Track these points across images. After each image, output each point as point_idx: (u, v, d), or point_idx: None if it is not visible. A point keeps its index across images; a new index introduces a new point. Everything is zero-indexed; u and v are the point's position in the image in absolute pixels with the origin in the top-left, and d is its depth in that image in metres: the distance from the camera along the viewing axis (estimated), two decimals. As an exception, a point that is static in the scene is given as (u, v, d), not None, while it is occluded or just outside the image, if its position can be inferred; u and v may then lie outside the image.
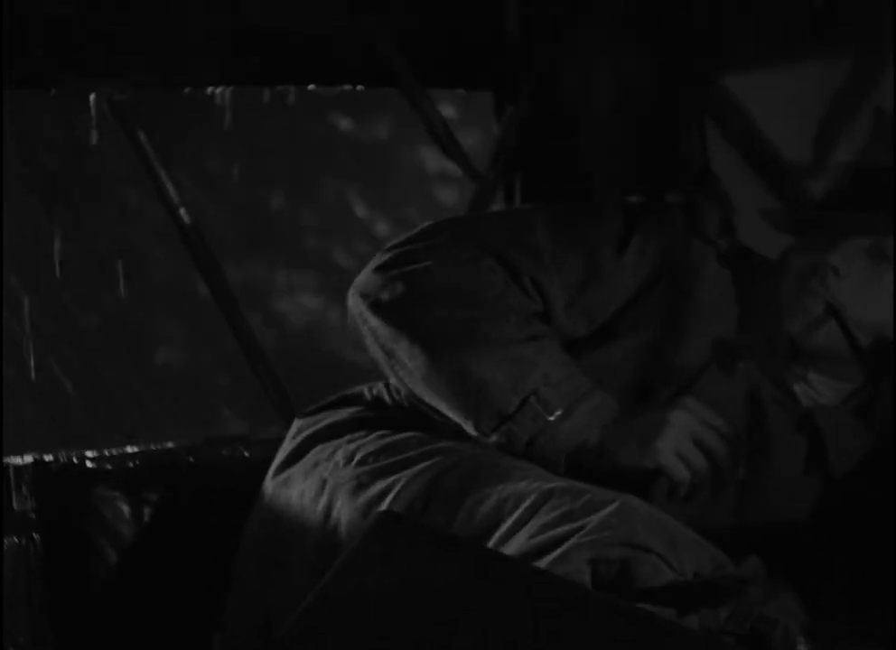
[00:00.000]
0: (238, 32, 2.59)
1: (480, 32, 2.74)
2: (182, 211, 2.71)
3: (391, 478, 1.91)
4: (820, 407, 2.05)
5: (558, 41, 2.83)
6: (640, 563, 1.71)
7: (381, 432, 2.00)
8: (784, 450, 2.03)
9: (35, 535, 2.32)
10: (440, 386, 1.95)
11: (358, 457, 1.97)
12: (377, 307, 1.98)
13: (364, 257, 2.12)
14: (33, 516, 2.33)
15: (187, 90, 2.84)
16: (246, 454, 2.47)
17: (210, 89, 2.83)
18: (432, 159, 4.51)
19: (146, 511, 2.39)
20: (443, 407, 1.97)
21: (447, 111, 2.90)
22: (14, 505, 2.32)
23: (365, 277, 2.02)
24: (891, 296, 1.97)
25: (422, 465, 1.90)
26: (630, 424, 1.94)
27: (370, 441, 1.99)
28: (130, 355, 4.71)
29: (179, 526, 2.41)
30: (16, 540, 2.31)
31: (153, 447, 2.46)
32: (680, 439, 1.93)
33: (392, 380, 2.05)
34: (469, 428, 1.96)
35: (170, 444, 2.49)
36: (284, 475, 2.08)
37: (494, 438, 1.94)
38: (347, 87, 2.88)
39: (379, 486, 1.91)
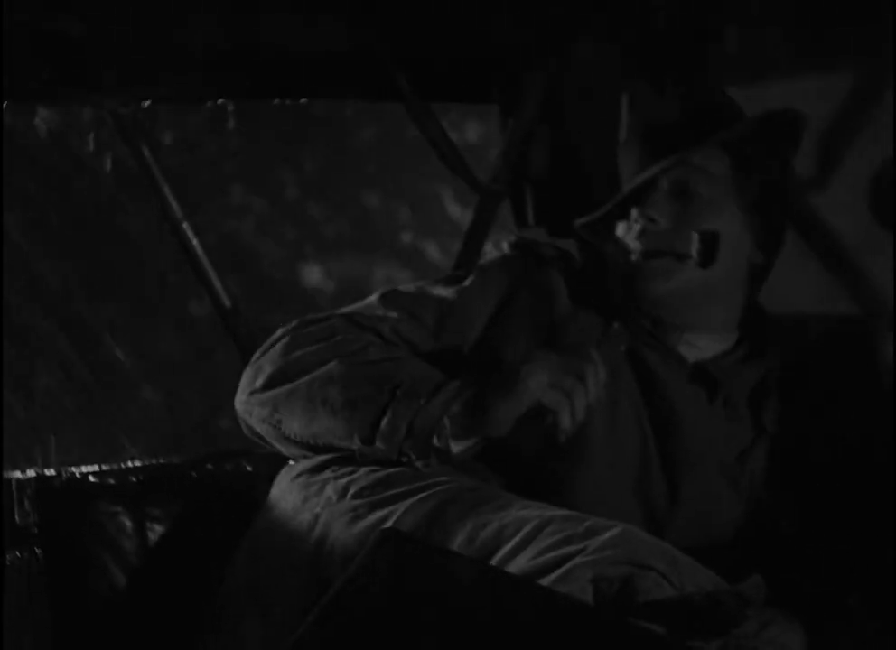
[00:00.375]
0: (241, 46, 2.59)
1: (484, 45, 2.74)
2: (186, 225, 2.71)
3: (389, 508, 1.92)
4: (707, 359, 2.20)
5: (563, 54, 2.83)
6: (642, 579, 1.72)
7: (371, 468, 2.00)
8: (684, 399, 2.17)
9: (37, 550, 2.32)
10: (322, 421, 2.05)
11: (352, 490, 1.97)
12: (252, 396, 2.13)
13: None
14: (35, 531, 2.32)
15: (190, 105, 2.84)
16: (248, 469, 2.46)
17: (212, 104, 2.83)
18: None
19: (148, 526, 2.38)
20: (332, 438, 2.05)
21: (452, 125, 2.89)
22: (17, 519, 2.32)
23: (240, 387, 2.18)
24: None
25: (421, 495, 1.91)
26: (496, 379, 2.02)
27: (362, 476, 1.99)
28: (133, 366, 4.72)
29: (181, 541, 2.40)
30: (18, 555, 2.30)
31: (155, 462, 2.46)
32: (547, 374, 1.99)
33: (287, 450, 2.14)
34: (356, 443, 2.02)
35: (172, 459, 2.48)
36: (272, 513, 2.09)
37: (379, 442, 2.00)
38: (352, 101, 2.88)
39: (378, 514, 1.91)
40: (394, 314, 2.20)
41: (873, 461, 2.26)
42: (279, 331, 2.18)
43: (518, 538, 1.79)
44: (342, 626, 1.61)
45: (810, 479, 2.21)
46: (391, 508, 1.92)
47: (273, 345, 2.16)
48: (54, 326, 4.63)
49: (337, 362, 2.08)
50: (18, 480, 2.33)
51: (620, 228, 2.20)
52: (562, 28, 2.74)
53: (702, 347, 2.20)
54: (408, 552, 1.65)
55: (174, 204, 2.70)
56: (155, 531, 2.39)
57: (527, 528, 1.80)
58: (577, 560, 1.72)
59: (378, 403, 2.02)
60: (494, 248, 2.33)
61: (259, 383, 2.12)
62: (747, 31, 2.44)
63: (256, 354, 2.18)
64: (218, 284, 2.78)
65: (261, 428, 2.13)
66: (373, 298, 2.23)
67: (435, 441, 2.01)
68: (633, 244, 2.16)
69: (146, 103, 2.69)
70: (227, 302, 2.78)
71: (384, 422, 2.00)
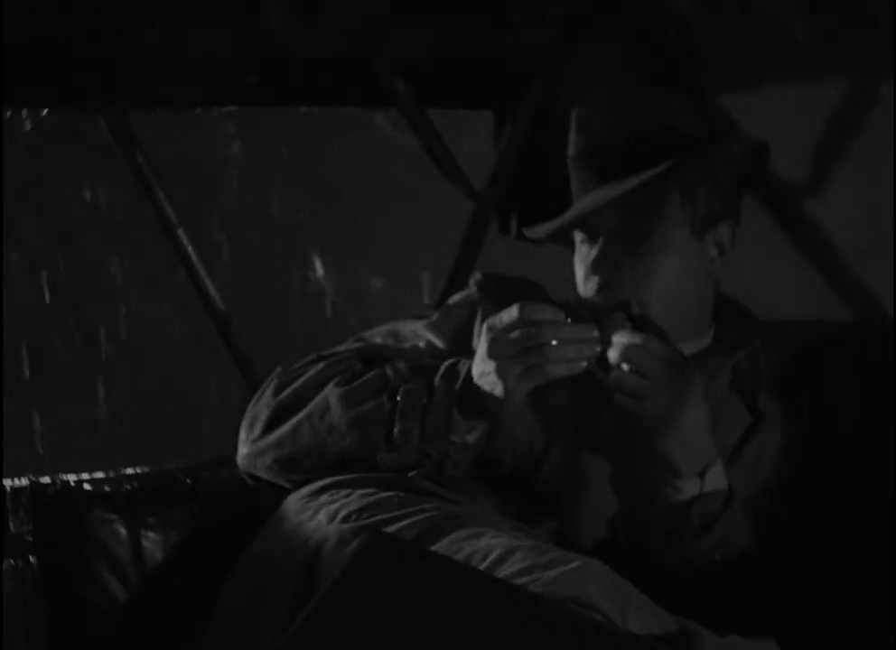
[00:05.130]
0: (238, 53, 2.59)
1: (480, 51, 2.74)
2: (181, 232, 2.71)
3: None
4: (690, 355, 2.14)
5: (557, 61, 2.83)
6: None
7: (364, 491, 2.00)
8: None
9: (32, 558, 2.31)
10: (334, 448, 2.07)
11: (341, 515, 1.96)
12: (254, 445, 2.15)
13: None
14: (30, 539, 2.32)
15: (186, 112, 2.84)
16: (244, 476, 2.46)
17: (209, 110, 2.82)
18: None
19: (144, 534, 2.38)
20: (349, 460, 2.06)
21: (446, 130, 2.89)
22: (11, 527, 2.31)
23: (240, 441, 2.19)
24: None
25: (403, 523, 1.90)
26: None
27: (354, 500, 1.99)
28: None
29: (176, 549, 2.40)
30: (13, 562, 2.30)
31: (150, 469, 2.45)
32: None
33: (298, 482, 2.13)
34: (382, 455, 2.04)
35: (167, 466, 2.48)
36: (271, 534, 2.08)
37: (397, 453, 2.02)
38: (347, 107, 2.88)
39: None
40: (371, 341, 2.23)
41: (874, 468, 2.26)
42: (265, 382, 2.20)
43: (484, 565, 1.78)
44: (329, 627, 1.61)
45: (810, 488, 2.21)
46: None
47: (262, 394, 2.18)
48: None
49: (332, 386, 2.09)
50: (13, 488, 2.32)
51: (580, 276, 2.18)
52: (559, 35, 2.74)
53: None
54: (394, 555, 1.66)
55: (169, 210, 2.70)
56: (150, 538, 2.38)
57: (493, 556, 1.79)
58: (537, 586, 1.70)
59: (383, 414, 2.03)
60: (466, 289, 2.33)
61: (258, 430, 2.14)
62: (742, 37, 2.44)
63: (248, 408, 2.19)
64: (213, 292, 2.78)
65: (269, 475, 2.15)
66: (349, 341, 2.26)
67: (453, 436, 2.01)
68: (594, 300, 2.14)
69: (142, 109, 2.70)
70: (222, 310, 2.78)
71: (395, 432, 2.02)
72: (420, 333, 2.25)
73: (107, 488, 2.39)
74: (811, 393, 2.25)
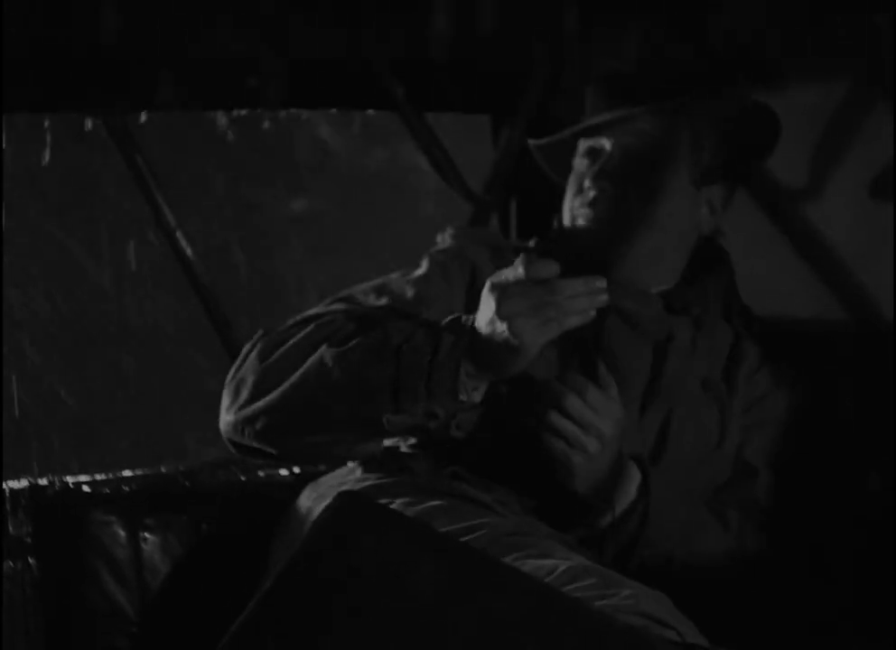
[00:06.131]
0: (236, 57, 2.59)
1: (479, 55, 2.74)
2: (179, 234, 2.71)
3: None
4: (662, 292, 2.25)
5: (556, 66, 2.83)
6: (657, 630, 1.72)
7: (406, 500, 1.99)
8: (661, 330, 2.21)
9: (31, 560, 2.31)
10: (331, 413, 2.00)
11: None
12: (240, 413, 2.06)
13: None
14: (30, 541, 2.32)
15: (186, 113, 2.84)
16: (242, 478, 2.46)
17: (208, 113, 2.82)
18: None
19: (143, 535, 2.38)
20: (350, 424, 2.00)
21: (444, 134, 2.90)
22: (11, 529, 2.31)
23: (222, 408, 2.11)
24: None
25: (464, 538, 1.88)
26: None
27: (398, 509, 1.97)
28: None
29: (175, 550, 2.40)
30: (12, 564, 2.30)
31: (149, 471, 2.45)
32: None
33: (293, 455, 2.14)
34: (388, 416, 1.97)
35: (166, 468, 2.48)
36: (288, 526, 2.09)
37: (403, 415, 1.96)
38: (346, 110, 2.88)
39: None
40: (359, 298, 2.17)
41: (872, 469, 2.27)
42: (246, 346, 2.12)
43: (550, 579, 1.77)
44: (301, 587, 1.59)
45: (807, 487, 2.22)
46: None
47: (245, 358, 2.10)
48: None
49: (326, 347, 2.01)
50: (12, 490, 2.33)
51: (570, 195, 2.24)
52: (557, 40, 2.74)
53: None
54: (365, 516, 1.64)
55: (168, 213, 2.70)
56: (148, 540, 2.39)
57: (559, 572, 1.80)
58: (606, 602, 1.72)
59: (386, 373, 1.95)
60: (440, 239, 2.31)
61: (245, 395, 2.06)
62: (739, 42, 2.44)
63: (230, 373, 2.11)
64: (212, 294, 2.78)
65: (259, 442, 2.06)
66: (331, 299, 2.19)
67: (461, 394, 1.95)
68: (585, 211, 2.21)
69: (144, 113, 2.70)
70: (221, 312, 2.78)
71: (401, 393, 1.95)
72: (410, 286, 2.19)
73: (106, 490, 2.39)
74: (811, 398, 2.28)
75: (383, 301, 2.16)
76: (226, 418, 2.08)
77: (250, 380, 2.06)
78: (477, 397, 1.99)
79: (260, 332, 2.12)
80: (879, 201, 2.44)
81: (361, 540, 1.61)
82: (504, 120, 2.92)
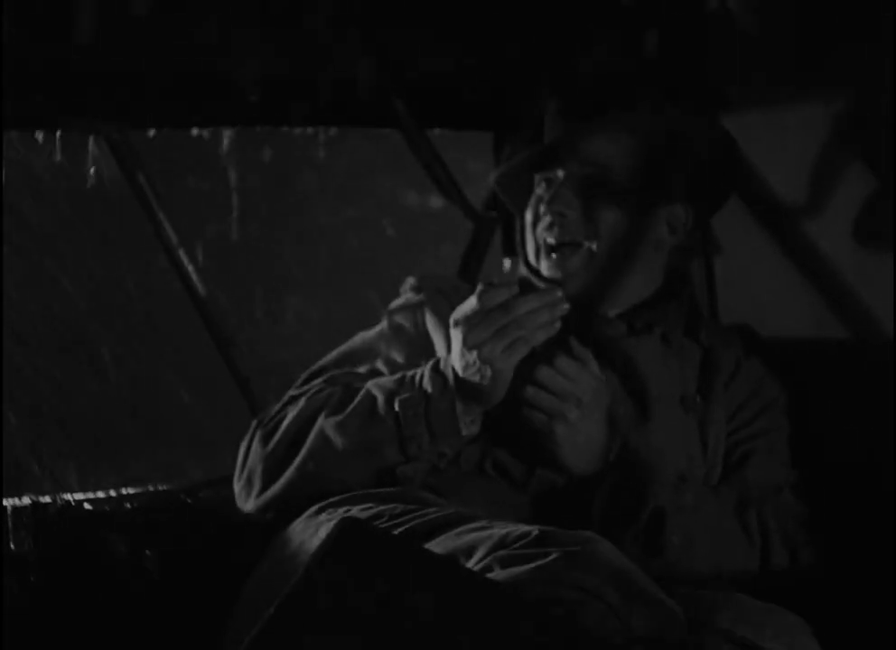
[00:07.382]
0: (237, 73, 2.59)
1: (479, 72, 2.75)
2: (181, 252, 2.71)
3: None
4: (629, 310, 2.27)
5: (558, 83, 2.84)
6: (590, 610, 1.69)
7: (363, 506, 2.02)
8: (632, 347, 2.23)
9: (33, 577, 2.31)
10: (343, 478, 2.09)
11: None
12: (257, 504, 2.16)
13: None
14: (31, 558, 2.32)
15: (187, 131, 2.84)
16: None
17: (208, 130, 2.83)
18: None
19: (144, 553, 2.38)
20: (363, 479, 2.09)
21: (446, 151, 2.90)
22: (12, 546, 2.32)
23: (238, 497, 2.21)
24: None
25: (407, 525, 1.92)
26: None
27: (354, 515, 2.00)
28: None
29: (176, 567, 2.40)
30: (14, 581, 2.30)
31: (150, 489, 2.46)
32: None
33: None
34: (401, 468, 2.08)
35: (167, 486, 2.48)
36: (277, 553, 2.10)
37: (413, 464, 2.06)
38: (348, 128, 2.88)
39: None
40: (333, 371, 2.25)
41: (873, 485, 2.27)
42: (244, 441, 2.20)
43: (490, 544, 1.78)
44: (304, 613, 1.61)
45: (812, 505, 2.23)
46: None
47: (247, 450, 2.18)
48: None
49: (322, 419, 2.11)
50: (14, 507, 2.33)
51: (529, 224, 2.27)
52: (558, 57, 2.75)
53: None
54: (367, 542, 1.65)
55: (170, 230, 2.70)
56: (150, 558, 2.39)
57: (496, 538, 1.80)
58: (532, 570, 1.70)
59: (387, 430, 2.06)
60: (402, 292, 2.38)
61: (258, 486, 2.15)
62: (739, 57, 2.45)
63: (237, 469, 2.19)
64: (214, 312, 2.78)
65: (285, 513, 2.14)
66: (306, 375, 2.28)
67: (462, 430, 2.06)
68: (544, 235, 2.23)
69: (151, 131, 2.70)
70: (224, 331, 2.78)
71: (406, 443, 2.06)
72: (375, 349, 2.28)
73: (107, 508, 2.40)
74: (810, 416, 2.29)
75: (361, 366, 2.25)
76: (246, 506, 2.18)
77: (259, 469, 2.15)
78: (476, 428, 2.08)
79: (254, 423, 2.21)
80: (868, 245, 2.46)
81: (362, 567, 1.63)
82: (506, 137, 2.93)
